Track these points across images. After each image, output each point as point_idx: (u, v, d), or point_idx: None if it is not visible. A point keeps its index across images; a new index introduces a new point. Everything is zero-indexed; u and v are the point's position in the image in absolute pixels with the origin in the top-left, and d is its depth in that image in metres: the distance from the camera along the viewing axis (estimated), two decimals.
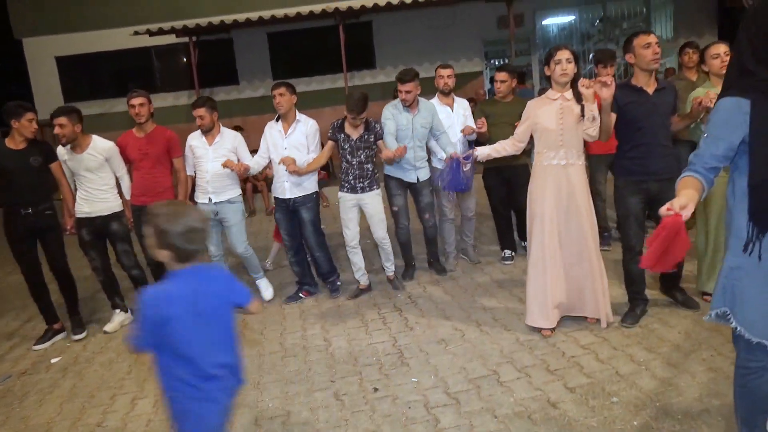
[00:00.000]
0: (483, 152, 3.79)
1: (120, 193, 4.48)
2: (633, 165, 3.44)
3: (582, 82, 3.26)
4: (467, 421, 2.77)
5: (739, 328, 1.94)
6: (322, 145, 4.60)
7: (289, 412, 3.05)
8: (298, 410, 3.05)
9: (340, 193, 4.55)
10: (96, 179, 4.28)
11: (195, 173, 4.60)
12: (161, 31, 10.07)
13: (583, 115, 3.32)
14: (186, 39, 10.55)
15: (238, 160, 4.51)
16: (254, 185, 8.88)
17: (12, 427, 3.26)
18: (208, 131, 4.48)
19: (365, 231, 4.74)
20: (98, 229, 4.36)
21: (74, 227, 4.42)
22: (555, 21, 12.66)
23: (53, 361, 4.05)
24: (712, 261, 3.72)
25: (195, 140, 4.55)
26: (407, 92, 4.41)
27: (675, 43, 11.88)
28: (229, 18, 10.36)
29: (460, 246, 5.25)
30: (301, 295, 4.74)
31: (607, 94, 3.23)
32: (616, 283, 4.00)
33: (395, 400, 3.03)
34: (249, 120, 11.22)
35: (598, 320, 3.57)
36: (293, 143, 4.46)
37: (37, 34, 12.04)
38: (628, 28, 12.79)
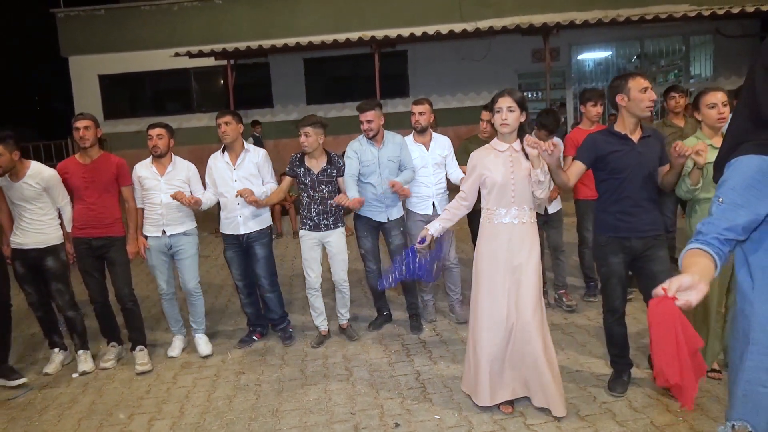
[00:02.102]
0: (435, 228, 3.24)
1: (61, 224, 4.09)
2: (616, 220, 3.09)
3: (527, 141, 2.88)
4: None
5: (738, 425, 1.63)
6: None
7: None
8: None
9: (301, 231, 4.26)
10: (33, 209, 3.91)
11: (144, 206, 4.21)
12: (201, 54, 10.34)
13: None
14: (224, 62, 10.80)
15: (191, 193, 4.18)
16: (282, 206, 8.91)
17: None
18: (159, 157, 4.14)
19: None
20: (32, 263, 3.97)
21: (9, 257, 4.05)
22: (591, 56, 12.61)
23: (74, 375, 4.04)
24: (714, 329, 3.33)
25: (144, 170, 4.16)
26: (368, 122, 4.14)
27: (714, 83, 11.72)
28: (266, 43, 10.59)
29: (447, 301, 4.73)
30: (254, 337, 4.44)
31: (551, 160, 2.86)
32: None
33: None
34: (281, 143, 11.38)
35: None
36: (243, 174, 4.18)
37: (83, 52, 12.51)
38: (665, 66, 12.68)
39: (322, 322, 4.39)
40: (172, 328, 4.41)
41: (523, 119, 3.03)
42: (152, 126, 4.18)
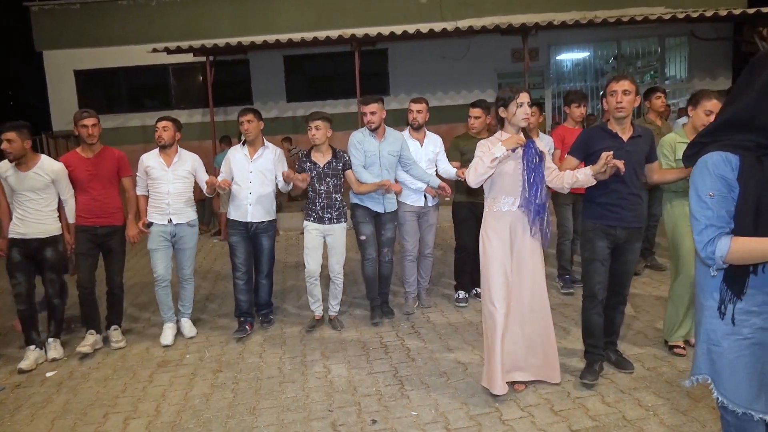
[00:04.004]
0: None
1: (60, 216, 4.26)
2: (604, 210, 3.28)
3: (604, 161, 3.05)
4: None
5: (720, 399, 1.81)
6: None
7: None
8: None
9: (305, 222, 4.43)
10: (38, 200, 4.08)
11: (149, 194, 4.46)
12: (179, 50, 10.19)
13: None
14: (203, 58, 10.68)
15: (196, 183, 4.50)
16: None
17: None
18: (165, 148, 4.38)
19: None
20: (31, 252, 4.11)
21: (3, 249, 4.15)
22: (569, 56, 12.75)
23: (48, 374, 3.98)
24: (687, 308, 3.59)
25: (151, 160, 4.41)
26: (371, 113, 4.33)
27: (688, 84, 11.93)
28: (246, 39, 10.48)
29: (418, 287, 4.90)
30: (247, 327, 4.50)
31: (604, 177, 3.15)
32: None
33: None
34: None
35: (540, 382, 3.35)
36: (259, 168, 4.42)
37: (58, 47, 12.25)
38: (642, 67, 12.87)
39: (317, 308, 4.55)
40: (163, 315, 4.51)
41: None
42: (160, 119, 4.44)
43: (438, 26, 10.46)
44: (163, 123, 4.38)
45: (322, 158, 4.34)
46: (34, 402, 3.61)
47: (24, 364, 4.07)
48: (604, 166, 3.04)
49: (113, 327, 4.45)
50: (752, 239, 1.68)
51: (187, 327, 4.59)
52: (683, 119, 8.90)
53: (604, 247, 3.30)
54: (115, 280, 4.41)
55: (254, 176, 4.42)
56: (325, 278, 4.63)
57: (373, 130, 4.41)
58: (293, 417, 3.19)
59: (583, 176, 3.17)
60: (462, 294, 4.88)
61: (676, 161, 3.54)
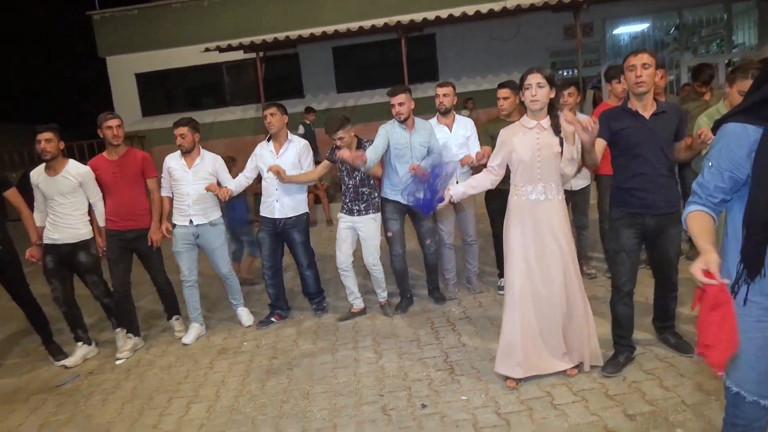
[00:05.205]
0: (457, 192, 3.29)
1: (92, 220, 4.31)
2: (629, 197, 3.07)
3: (565, 116, 2.90)
4: None
5: (728, 383, 1.76)
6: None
7: (336, 424, 3.03)
8: (344, 423, 3.03)
9: (339, 214, 4.50)
10: (67, 204, 4.13)
11: (173, 195, 4.48)
12: (230, 48, 10.48)
13: (561, 149, 3.00)
14: (253, 54, 10.93)
15: (219, 184, 4.45)
16: (316, 195, 9.02)
17: (77, 424, 3.42)
18: (187, 152, 4.39)
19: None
20: (64, 257, 4.18)
21: (39, 255, 4.23)
22: (627, 29, 12.21)
23: (118, 362, 4.24)
24: None
25: (173, 161, 4.44)
26: (400, 104, 4.22)
27: (759, 52, 11.18)
28: (294, 33, 10.66)
29: (464, 274, 4.94)
30: (273, 319, 4.65)
31: (587, 138, 2.82)
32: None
33: (443, 418, 2.95)
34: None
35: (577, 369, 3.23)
36: (285, 162, 4.39)
37: (119, 52, 12.85)
38: (706, 35, 12.17)
39: (354, 300, 4.59)
40: (190, 315, 4.59)
41: (552, 95, 3.03)
42: (175, 125, 4.42)
43: (485, 7, 10.25)
44: (180, 130, 4.35)
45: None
46: (105, 388, 3.85)
47: (69, 361, 4.27)
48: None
49: (174, 317, 4.65)
50: (695, 224, 1.76)
51: (245, 316, 4.72)
52: None
53: (630, 237, 3.10)
54: (158, 278, 4.47)
55: None
56: (363, 269, 4.67)
57: (402, 122, 4.30)
58: (345, 401, 3.26)
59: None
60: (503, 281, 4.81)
61: None
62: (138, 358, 4.31)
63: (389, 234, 4.47)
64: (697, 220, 1.77)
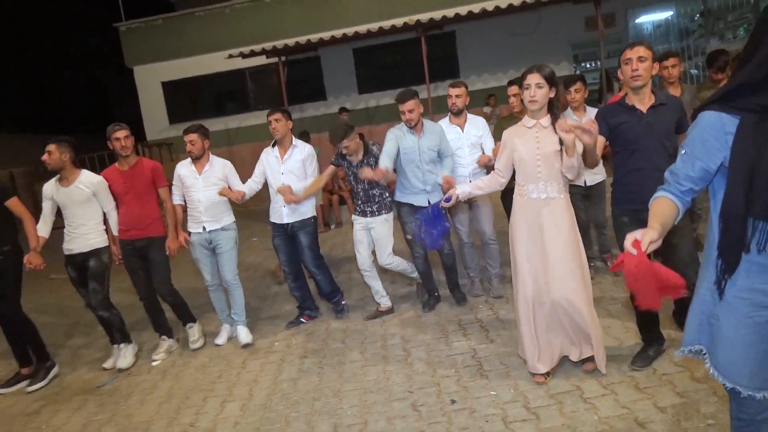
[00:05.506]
0: (464, 191, 3.36)
1: (107, 229, 4.36)
2: (628, 193, 3.04)
3: (560, 126, 2.80)
4: None
5: (712, 371, 1.75)
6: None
7: (367, 420, 3.09)
8: (375, 419, 3.09)
9: (353, 216, 4.56)
10: (81, 214, 4.20)
11: (185, 202, 4.50)
12: (252, 53, 10.64)
13: (561, 148, 2.96)
14: (276, 59, 11.07)
15: (230, 189, 4.45)
16: (340, 197, 9.11)
17: (117, 423, 3.55)
18: (197, 159, 4.40)
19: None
20: (79, 267, 4.27)
21: (38, 262, 4.15)
22: (650, 18, 12.02)
23: (154, 363, 4.37)
24: None
25: (184, 169, 4.47)
26: (410, 111, 4.21)
27: None
28: (314, 37, 10.78)
29: (486, 276, 4.88)
30: (302, 320, 4.74)
31: (589, 140, 2.73)
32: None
33: (473, 413, 2.98)
34: None
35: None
36: (290, 168, 4.46)
37: (146, 62, 13.17)
38: (733, 21, 11.89)
39: (380, 299, 4.67)
40: (219, 317, 4.70)
41: (552, 95, 3.02)
42: (185, 132, 4.44)
43: (504, 2, 10.20)
44: (190, 137, 4.36)
45: (355, 158, 4.38)
46: (143, 388, 3.98)
47: (108, 363, 4.43)
48: None
49: (188, 325, 4.61)
50: (655, 207, 1.78)
51: (243, 334, 4.53)
52: None
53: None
54: (162, 289, 4.43)
55: (286, 177, 4.44)
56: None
57: (412, 127, 4.30)
58: (375, 398, 3.31)
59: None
60: None
61: None
62: (173, 359, 4.43)
63: (408, 237, 4.50)
64: (658, 204, 1.78)
